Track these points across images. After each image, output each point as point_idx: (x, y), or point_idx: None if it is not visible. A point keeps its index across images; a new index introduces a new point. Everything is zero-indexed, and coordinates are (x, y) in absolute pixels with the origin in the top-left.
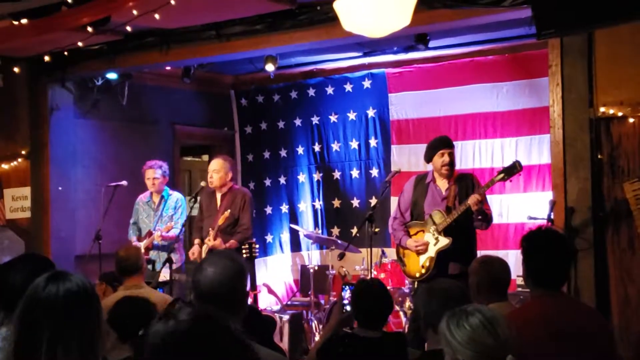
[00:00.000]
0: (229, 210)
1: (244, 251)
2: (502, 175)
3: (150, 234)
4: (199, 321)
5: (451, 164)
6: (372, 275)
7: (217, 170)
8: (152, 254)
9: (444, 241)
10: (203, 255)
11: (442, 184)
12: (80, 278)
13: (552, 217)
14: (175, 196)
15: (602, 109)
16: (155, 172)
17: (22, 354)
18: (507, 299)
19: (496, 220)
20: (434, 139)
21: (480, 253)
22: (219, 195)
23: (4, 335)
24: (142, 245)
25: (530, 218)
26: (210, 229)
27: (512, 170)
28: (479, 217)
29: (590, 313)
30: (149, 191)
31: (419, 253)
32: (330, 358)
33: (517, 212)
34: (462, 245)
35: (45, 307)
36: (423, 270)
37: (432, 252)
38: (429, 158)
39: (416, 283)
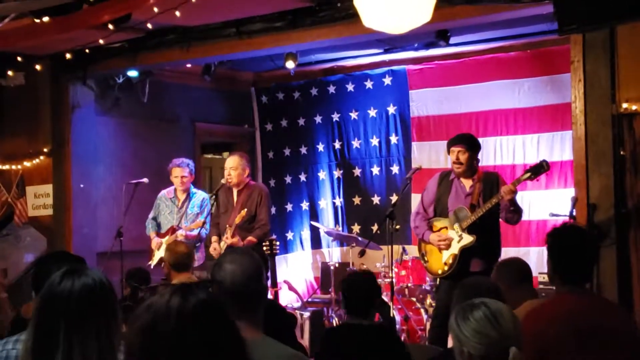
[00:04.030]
0: (245, 210)
1: (264, 248)
2: (528, 174)
3: (173, 230)
4: (210, 307)
5: (460, 162)
6: (393, 273)
7: (234, 167)
8: None
9: (468, 239)
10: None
11: (466, 181)
12: (96, 272)
13: (574, 213)
14: (201, 195)
15: (624, 105)
16: (183, 171)
17: (40, 350)
18: (537, 296)
19: None
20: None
21: (502, 250)
22: (235, 191)
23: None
24: (164, 241)
25: (552, 215)
26: (227, 225)
27: (539, 169)
28: (512, 207)
29: (616, 310)
30: (173, 187)
31: (441, 249)
32: (328, 348)
33: (539, 209)
34: (485, 242)
35: (61, 301)
36: (446, 267)
37: (455, 249)
38: (448, 153)
39: (438, 280)
